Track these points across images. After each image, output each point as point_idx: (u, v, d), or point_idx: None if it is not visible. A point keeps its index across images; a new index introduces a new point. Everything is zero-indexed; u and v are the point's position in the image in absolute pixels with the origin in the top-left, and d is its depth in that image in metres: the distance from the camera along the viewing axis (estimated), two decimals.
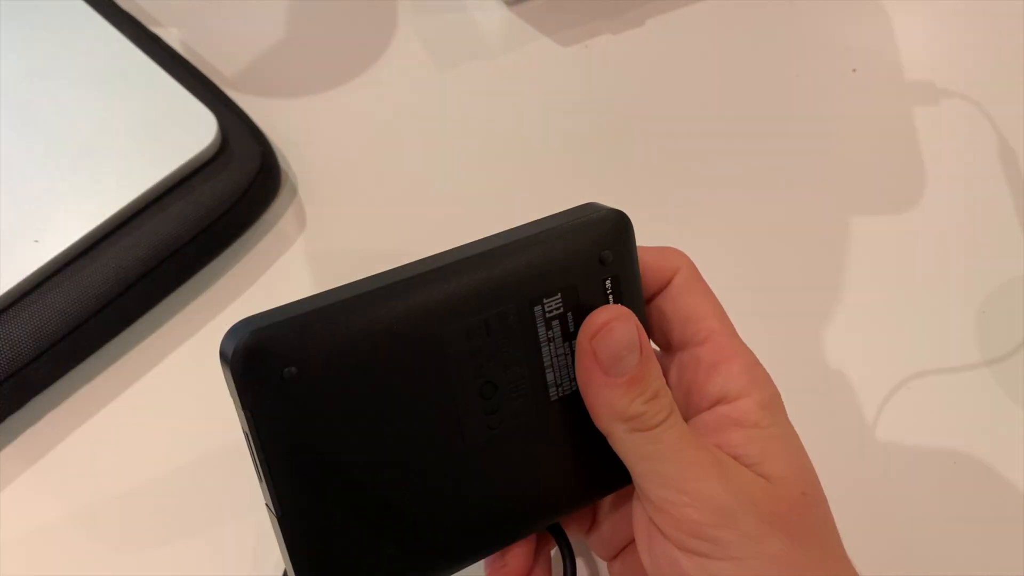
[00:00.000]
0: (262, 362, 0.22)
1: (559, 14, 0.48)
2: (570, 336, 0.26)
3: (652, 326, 0.28)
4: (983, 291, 0.40)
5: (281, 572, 0.31)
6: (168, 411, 0.37)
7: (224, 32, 0.46)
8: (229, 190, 0.39)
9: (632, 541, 0.29)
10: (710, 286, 0.28)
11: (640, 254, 0.27)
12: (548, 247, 0.25)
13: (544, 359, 0.25)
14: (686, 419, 0.26)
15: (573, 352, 0.26)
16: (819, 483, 0.26)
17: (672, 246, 0.28)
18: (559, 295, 0.25)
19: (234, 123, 0.41)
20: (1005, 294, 0.40)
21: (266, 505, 0.24)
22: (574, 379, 0.26)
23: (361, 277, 0.24)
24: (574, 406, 0.26)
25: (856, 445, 0.37)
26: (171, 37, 0.45)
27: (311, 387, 0.23)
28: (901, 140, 0.44)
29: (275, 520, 0.24)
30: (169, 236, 0.37)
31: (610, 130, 0.45)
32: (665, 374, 0.26)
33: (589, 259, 0.25)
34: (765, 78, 0.46)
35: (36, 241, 0.36)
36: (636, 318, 0.25)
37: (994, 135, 0.44)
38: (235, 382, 0.22)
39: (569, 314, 0.25)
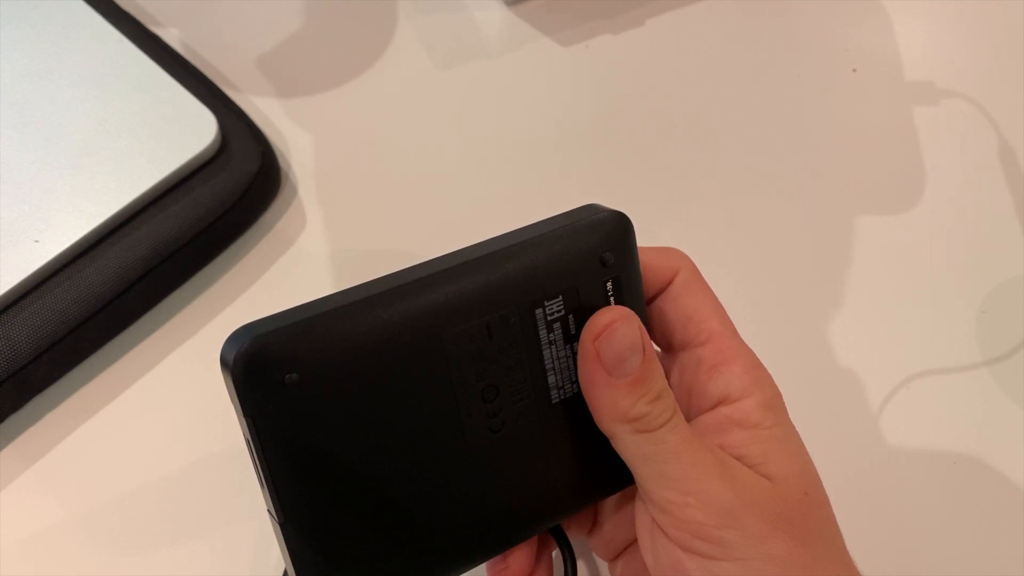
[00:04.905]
0: (263, 368, 0.22)
1: (559, 14, 0.48)
2: (571, 338, 0.26)
3: (653, 327, 0.28)
4: (983, 291, 0.40)
5: (281, 573, 0.31)
6: (168, 411, 0.37)
7: (224, 32, 0.46)
8: (229, 190, 0.39)
9: (634, 542, 0.29)
10: (711, 286, 0.28)
11: (641, 255, 0.27)
12: (549, 249, 0.25)
13: (546, 361, 0.25)
14: (688, 420, 0.26)
15: (574, 354, 0.26)
16: (821, 483, 0.26)
17: (673, 246, 0.28)
18: (560, 297, 0.25)
19: (234, 123, 0.41)
20: (1005, 294, 0.40)
21: (268, 511, 0.24)
22: (575, 381, 0.26)
23: (361, 278, 0.24)
24: (576, 408, 0.26)
25: (857, 445, 0.37)
26: (171, 37, 0.45)
27: (312, 393, 0.23)
28: (901, 140, 0.44)
29: (277, 526, 0.23)
30: (169, 236, 0.37)
31: (610, 130, 0.44)
32: (666, 375, 0.26)
33: (590, 261, 0.25)
34: (765, 78, 0.46)
35: (36, 241, 0.36)
36: (639, 319, 0.25)
37: (994, 135, 0.44)
38: (236, 389, 0.22)
39: (570, 316, 0.25)
